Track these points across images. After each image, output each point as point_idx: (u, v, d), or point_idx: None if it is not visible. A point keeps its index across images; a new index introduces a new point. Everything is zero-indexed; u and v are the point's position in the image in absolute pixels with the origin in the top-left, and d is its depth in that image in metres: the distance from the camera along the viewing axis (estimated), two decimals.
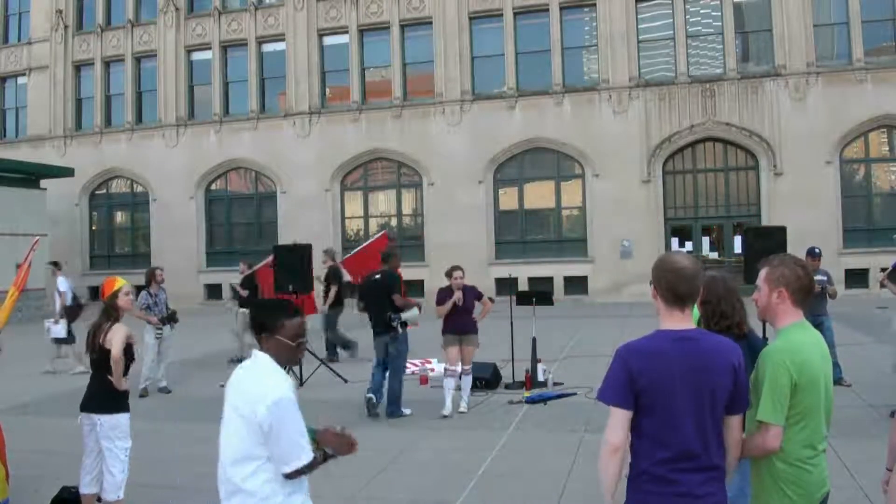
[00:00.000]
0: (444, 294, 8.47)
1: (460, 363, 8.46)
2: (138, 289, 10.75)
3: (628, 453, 2.62)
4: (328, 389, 9.97)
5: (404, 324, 8.36)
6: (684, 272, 2.64)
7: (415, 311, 8.48)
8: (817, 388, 2.76)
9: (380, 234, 9.22)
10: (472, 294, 8.55)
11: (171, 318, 10.44)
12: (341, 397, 9.33)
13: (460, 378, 8.52)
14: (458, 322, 8.43)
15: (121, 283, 5.18)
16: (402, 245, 23.66)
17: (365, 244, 12.79)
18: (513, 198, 23.44)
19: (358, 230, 24.87)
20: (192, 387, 10.65)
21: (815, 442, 2.77)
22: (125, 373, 5.00)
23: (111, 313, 5.05)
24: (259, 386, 2.75)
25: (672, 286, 2.63)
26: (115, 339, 4.89)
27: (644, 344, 2.63)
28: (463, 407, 8.40)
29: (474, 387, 9.08)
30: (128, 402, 5.08)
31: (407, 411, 8.31)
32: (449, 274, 8.48)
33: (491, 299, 9.31)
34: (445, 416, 8.19)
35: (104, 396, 4.94)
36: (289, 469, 2.71)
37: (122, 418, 4.97)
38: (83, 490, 5.07)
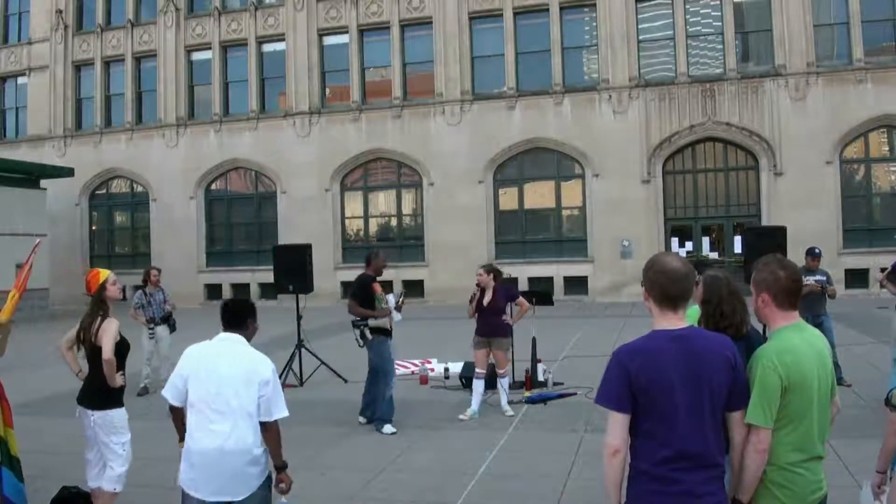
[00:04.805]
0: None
1: (488, 366, 8.28)
2: (139, 289, 10.74)
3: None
4: (328, 389, 9.97)
5: (374, 329, 7.92)
6: (675, 273, 2.65)
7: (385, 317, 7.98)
8: (808, 390, 2.70)
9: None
10: (503, 294, 8.26)
11: (165, 321, 10.41)
12: (341, 397, 9.33)
13: (494, 381, 8.32)
14: (485, 324, 8.17)
15: (105, 273, 5.16)
16: (403, 245, 23.72)
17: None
18: (513, 198, 23.43)
19: (358, 230, 24.88)
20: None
21: (806, 446, 2.71)
22: (121, 368, 4.99)
23: (101, 307, 5.01)
24: None
25: (664, 288, 2.64)
26: (105, 338, 4.86)
27: (641, 344, 2.63)
28: (507, 410, 8.16)
29: (473, 387, 9.04)
30: (122, 397, 5.05)
31: (388, 429, 7.62)
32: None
33: (534, 300, 8.94)
34: (462, 419, 8.02)
35: (97, 392, 4.93)
36: None
37: (114, 414, 4.95)
38: (90, 483, 5.07)
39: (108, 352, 4.82)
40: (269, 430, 3.71)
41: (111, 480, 4.93)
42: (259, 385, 3.67)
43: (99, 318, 4.95)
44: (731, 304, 3.28)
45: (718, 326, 3.19)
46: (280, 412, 3.72)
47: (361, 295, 8.00)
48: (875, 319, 13.70)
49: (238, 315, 3.90)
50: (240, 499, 3.63)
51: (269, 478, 3.76)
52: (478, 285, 8.25)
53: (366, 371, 8.27)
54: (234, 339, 3.82)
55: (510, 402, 8.50)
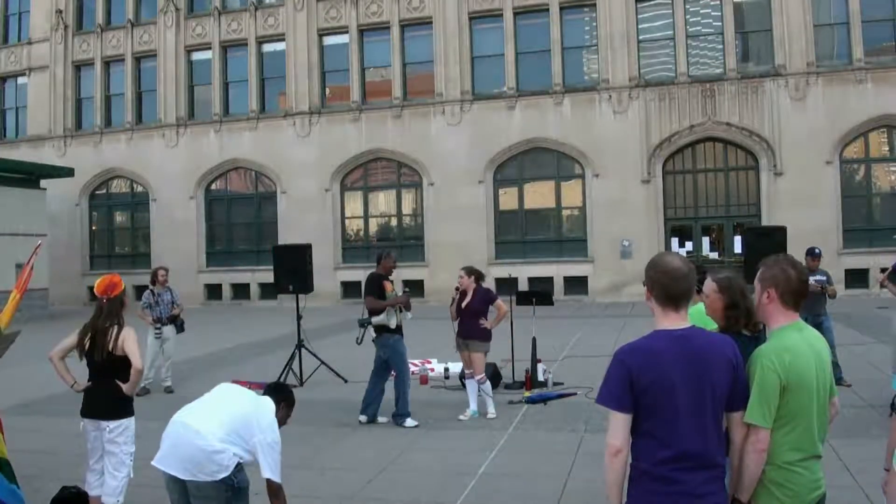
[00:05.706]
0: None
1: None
2: (139, 289, 10.74)
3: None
4: (328, 389, 9.97)
5: (377, 326, 7.96)
6: (677, 273, 2.64)
7: (383, 315, 7.99)
8: (807, 390, 2.70)
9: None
10: (481, 297, 8.11)
11: (172, 321, 10.42)
12: (341, 397, 9.33)
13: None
14: (462, 326, 8.13)
15: (122, 282, 5.12)
16: (403, 245, 23.72)
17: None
18: (513, 198, 23.44)
19: (358, 230, 24.88)
20: (193, 387, 10.63)
21: (804, 445, 2.71)
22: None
23: (118, 313, 4.90)
24: None
25: (666, 288, 2.64)
26: (131, 347, 4.76)
27: (643, 344, 2.63)
28: (491, 412, 8.07)
29: (466, 387, 9.00)
30: (133, 405, 5.02)
31: (410, 423, 7.84)
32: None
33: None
34: (462, 420, 8.02)
35: (112, 402, 4.82)
36: None
37: (130, 423, 4.91)
38: (92, 493, 5.01)
39: (139, 360, 4.74)
40: (275, 495, 3.89)
41: (114, 492, 4.85)
42: (264, 430, 3.91)
43: (116, 327, 4.83)
44: (751, 304, 3.28)
45: (738, 328, 3.17)
46: (271, 473, 3.87)
47: (377, 291, 8.12)
48: (875, 319, 13.71)
49: (274, 387, 4.35)
50: (180, 477, 3.81)
51: (227, 485, 3.78)
52: (457, 288, 8.20)
53: (366, 370, 8.29)
54: (267, 399, 4.16)
55: (510, 403, 8.50)
